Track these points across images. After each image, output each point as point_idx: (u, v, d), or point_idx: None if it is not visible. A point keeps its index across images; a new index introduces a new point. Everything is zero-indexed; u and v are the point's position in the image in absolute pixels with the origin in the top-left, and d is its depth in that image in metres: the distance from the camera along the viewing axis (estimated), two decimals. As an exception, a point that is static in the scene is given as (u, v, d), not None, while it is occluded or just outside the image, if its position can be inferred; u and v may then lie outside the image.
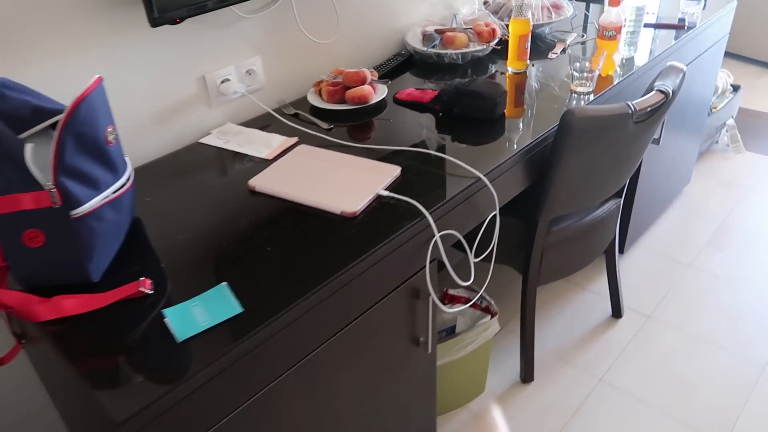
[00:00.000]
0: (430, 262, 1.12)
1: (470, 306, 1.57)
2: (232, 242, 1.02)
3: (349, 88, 1.44)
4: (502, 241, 1.52)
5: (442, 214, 1.11)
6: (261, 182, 1.16)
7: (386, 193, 1.11)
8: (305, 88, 1.58)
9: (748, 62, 3.65)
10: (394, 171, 1.17)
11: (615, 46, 1.49)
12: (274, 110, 1.48)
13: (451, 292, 1.59)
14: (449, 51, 1.64)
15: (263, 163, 1.25)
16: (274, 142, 1.32)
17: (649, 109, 1.28)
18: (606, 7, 1.47)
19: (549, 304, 1.98)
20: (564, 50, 1.72)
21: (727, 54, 3.71)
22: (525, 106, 1.42)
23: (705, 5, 1.98)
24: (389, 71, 1.64)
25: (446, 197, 1.11)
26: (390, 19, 1.74)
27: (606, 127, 1.25)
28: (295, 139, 1.33)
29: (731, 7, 2.01)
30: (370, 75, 1.46)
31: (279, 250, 0.99)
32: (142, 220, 1.10)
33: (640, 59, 1.63)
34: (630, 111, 1.24)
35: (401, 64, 1.68)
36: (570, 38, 1.77)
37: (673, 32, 1.80)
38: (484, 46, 1.66)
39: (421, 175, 1.17)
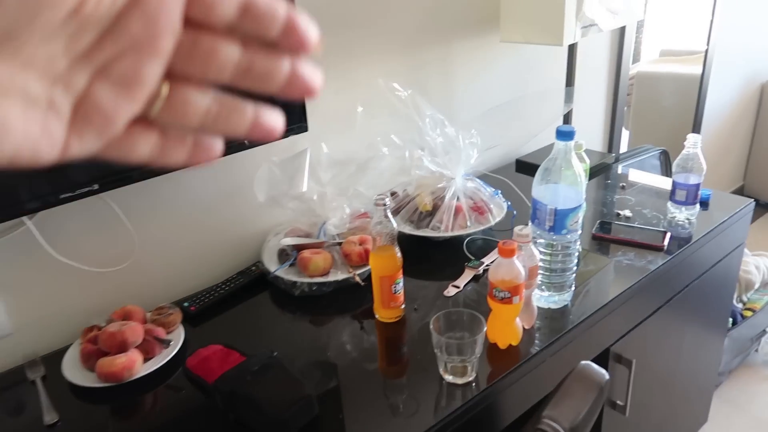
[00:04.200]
0: None
1: None
2: None
3: (107, 353, 0.99)
4: None
5: None
6: None
7: None
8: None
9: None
10: None
11: (513, 312, 0.96)
12: (18, 367, 1.04)
13: None
14: (300, 279, 1.17)
15: None
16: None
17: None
18: (497, 257, 0.95)
19: None
20: (478, 278, 1.21)
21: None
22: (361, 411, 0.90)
23: (708, 206, 1.43)
24: (228, 295, 1.19)
25: None
26: (242, 222, 1.30)
27: None
28: (-19, 446, 0.88)
29: (748, 209, 1.44)
30: (142, 334, 1.00)
31: None
32: None
33: (578, 312, 1.09)
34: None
35: (251, 283, 1.22)
36: (487, 260, 1.25)
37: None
38: (349, 275, 1.17)
39: None
